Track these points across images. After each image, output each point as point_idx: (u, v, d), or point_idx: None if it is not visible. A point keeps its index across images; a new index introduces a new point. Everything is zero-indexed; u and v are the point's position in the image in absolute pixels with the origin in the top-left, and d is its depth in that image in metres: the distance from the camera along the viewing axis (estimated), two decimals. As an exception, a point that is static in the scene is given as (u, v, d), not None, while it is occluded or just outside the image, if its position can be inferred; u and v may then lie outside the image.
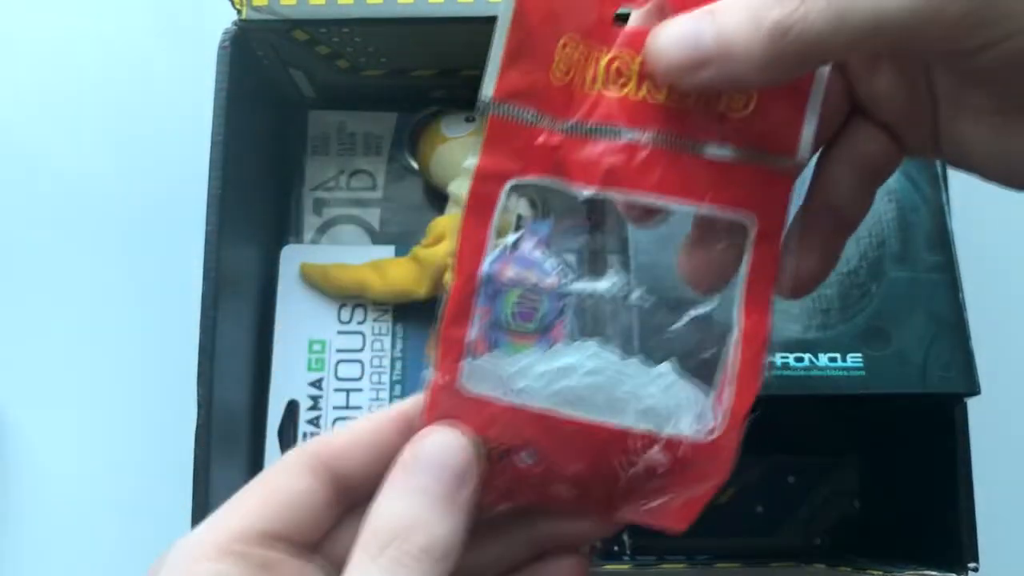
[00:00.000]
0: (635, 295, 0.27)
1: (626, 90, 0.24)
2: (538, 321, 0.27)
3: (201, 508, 0.39)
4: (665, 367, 0.25)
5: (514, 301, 0.26)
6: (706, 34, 0.22)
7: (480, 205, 0.24)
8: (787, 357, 0.36)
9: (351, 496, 0.24)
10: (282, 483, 0.23)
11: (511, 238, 0.25)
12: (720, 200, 0.24)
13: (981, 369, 0.37)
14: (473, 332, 0.24)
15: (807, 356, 0.37)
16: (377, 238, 0.53)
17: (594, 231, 0.47)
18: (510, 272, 0.26)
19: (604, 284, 0.26)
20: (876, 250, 0.39)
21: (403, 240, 0.51)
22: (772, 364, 0.36)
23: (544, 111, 0.24)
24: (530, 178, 0.25)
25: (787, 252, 0.25)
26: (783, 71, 0.22)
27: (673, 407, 0.25)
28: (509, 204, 0.29)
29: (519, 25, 0.24)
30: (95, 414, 0.53)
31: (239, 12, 0.43)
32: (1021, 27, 0.20)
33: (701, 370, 0.26)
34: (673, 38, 0.22)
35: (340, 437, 0.24)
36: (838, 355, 0.37)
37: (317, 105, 0.54)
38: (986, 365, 0.37)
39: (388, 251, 0.50)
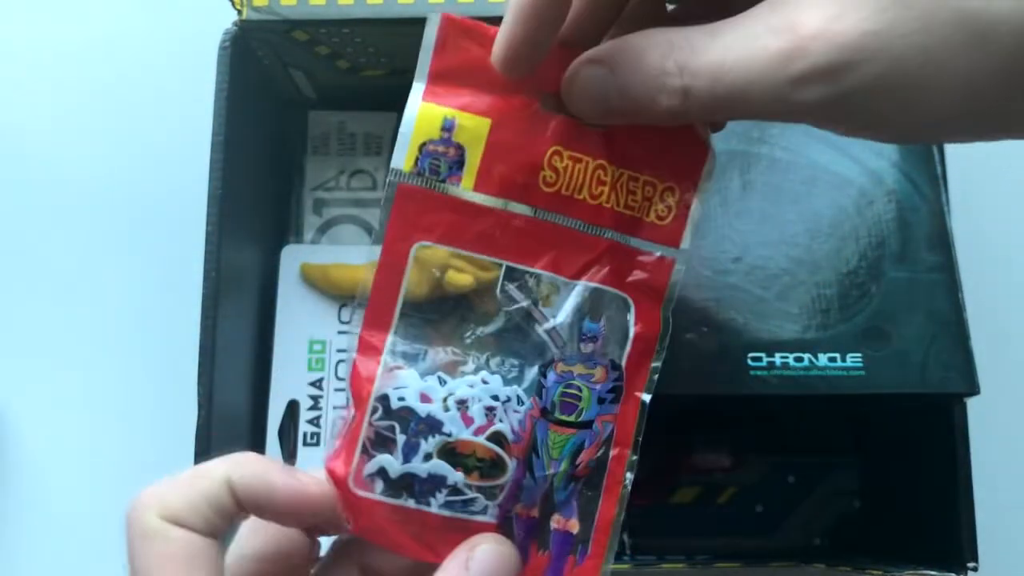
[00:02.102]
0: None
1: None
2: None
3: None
4: None
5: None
6: (611, 95, 0.25)
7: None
8: (787, 357, 0.37)
9: None
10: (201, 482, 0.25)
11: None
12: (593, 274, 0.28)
13: (981, 369, 0.37)
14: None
15: (807, 356, 0.37)
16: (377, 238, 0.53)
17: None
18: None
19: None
20: (876, 250, 0.39)
21: (403, 240, 0.51)
22: (772, 364, 0.37)
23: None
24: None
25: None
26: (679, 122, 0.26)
27: None
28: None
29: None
30: (95, 414, 0.53)
31: (239, 12, 0.43)
32: (880, 120, 0.23)
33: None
34: (584, 95, 0.26)
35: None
36: (838, 355, 0.37)
37: (317, 105, 0.54)
38: (986, 365, 0.37)
39: (388, 251, 0.50)
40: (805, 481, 0.50)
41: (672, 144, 0.28)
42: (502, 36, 0.26)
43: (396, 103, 0.52)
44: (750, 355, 0.36)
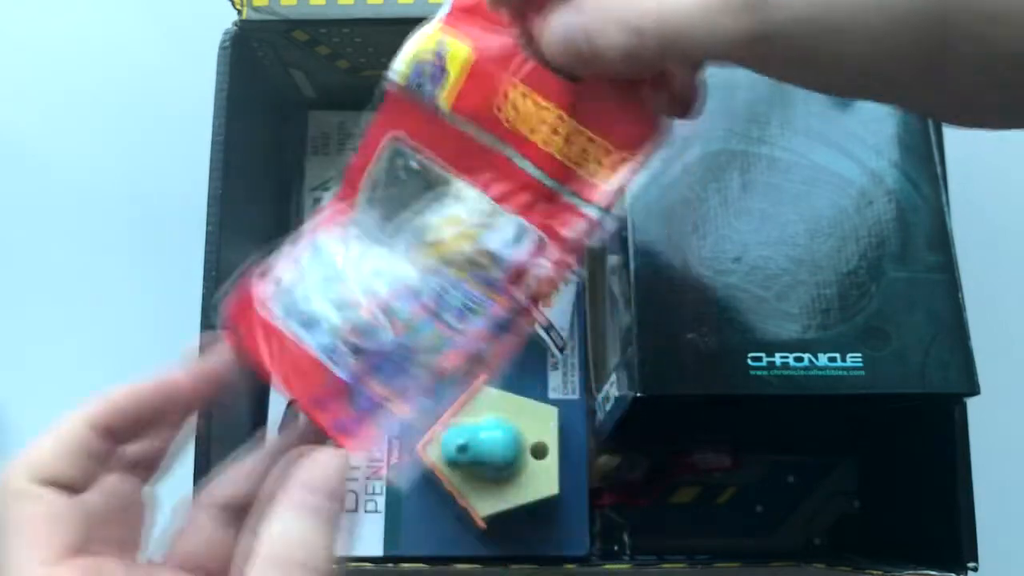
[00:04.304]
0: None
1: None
2: None
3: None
4: None
5: None
6: (579, 37, 0.26)
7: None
8: (787, 357, 0.37)
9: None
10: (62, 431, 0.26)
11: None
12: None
13: (980, 369, 0.37)
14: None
15: (807, 356, 0.37)
16: (377, 238, 0.53)
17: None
18: None
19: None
20: (876, 250, 0.39)
21: (403, 240, 0.51)
22: (772, 364, 0.37)
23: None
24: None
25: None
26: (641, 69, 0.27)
27: None
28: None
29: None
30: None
31: (239, 12, 0.43)
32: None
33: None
34: (555, 36, 0.27)
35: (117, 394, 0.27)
36: (837, 355, 0.37)
37: (317, 105, 0.54)
38: (985, 365, 0.37)
39: (388, 251, 0.50)
40: (805, 481, 0.50)
41: (629, 116, 0.29)
42: None
43: (396, 103, 0.53)
44: (750, 355, 0.36)
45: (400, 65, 0.30)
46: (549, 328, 0.46)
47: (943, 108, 0.25)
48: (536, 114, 0.29)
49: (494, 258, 0.30)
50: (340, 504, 0.25)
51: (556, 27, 0.27)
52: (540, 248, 0.30)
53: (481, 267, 0.30)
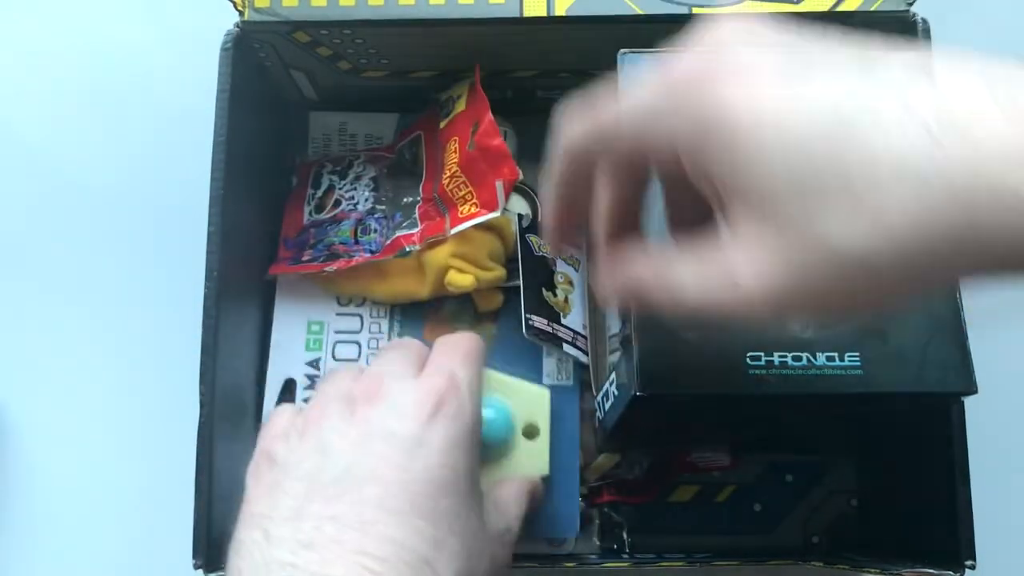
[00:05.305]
0: None
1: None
2: None
3: (205, 495, 0.39)
4: None
5: None
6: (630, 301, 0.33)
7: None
8: (785, 356, 0.37)
9: None
10: None
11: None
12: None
13: (978, 369, 0.37)
14: None
15: (805, 355, 0.37)
16: (378, 238, 0.53)
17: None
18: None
19: None
20: (874, 250, 0.39)
21: (404, 240, 0.51)
22: (771, 363, 0.37)
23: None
24: None
25: None
26: None
27: None
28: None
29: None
30: (96, 413, 0.53)
31: (241, 14, 0.43)
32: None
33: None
34: (607, 293, 0.33)
35: None
36: (836, 354, 0.37)
37: (318, 106, 0.54)
38: (984, 365, 0.37)
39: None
40: (803, 480, 0.50)
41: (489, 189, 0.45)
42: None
43: (397, 104, 0.53)
44: (749, 354, 0.37)
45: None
46: (574, 338, 0.46)
47: None
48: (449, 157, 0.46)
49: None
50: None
51: (609, 283, 0.33)
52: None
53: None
